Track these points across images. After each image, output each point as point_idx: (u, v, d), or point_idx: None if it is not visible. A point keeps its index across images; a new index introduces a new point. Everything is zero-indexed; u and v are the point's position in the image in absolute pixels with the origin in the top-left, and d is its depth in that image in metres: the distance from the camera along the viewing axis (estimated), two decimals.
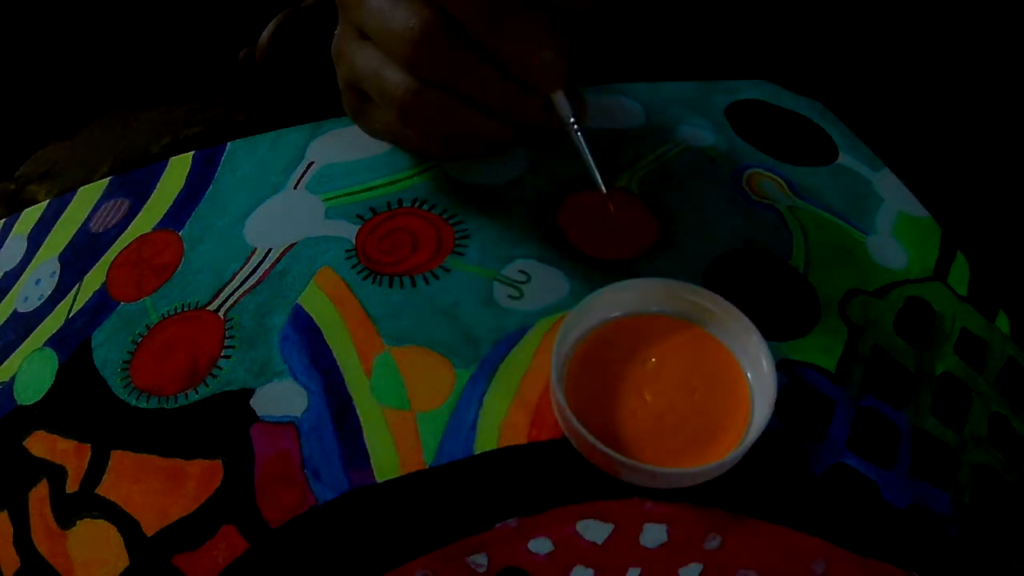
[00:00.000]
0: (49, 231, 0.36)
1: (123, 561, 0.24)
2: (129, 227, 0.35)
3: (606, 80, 0.40)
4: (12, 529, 0.26)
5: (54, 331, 0.31)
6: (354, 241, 0.32)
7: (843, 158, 0.38)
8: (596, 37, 0.31)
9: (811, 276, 0.31)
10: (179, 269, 0.32)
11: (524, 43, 0.27)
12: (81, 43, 0.49)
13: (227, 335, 0.29)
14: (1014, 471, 0.27)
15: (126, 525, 0.25)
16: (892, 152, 0.39)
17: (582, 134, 0.30)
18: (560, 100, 0.29)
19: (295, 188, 0.34)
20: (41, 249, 0.36)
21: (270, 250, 0.32)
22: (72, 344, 0.30)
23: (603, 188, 0.30)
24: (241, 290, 0.30)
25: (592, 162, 0.30)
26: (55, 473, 0.27)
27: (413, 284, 0.30)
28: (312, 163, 0.35)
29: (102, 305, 0.31)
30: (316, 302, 0.30)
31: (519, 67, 0.27)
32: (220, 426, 0.26)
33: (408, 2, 0.27)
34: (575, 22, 0.29)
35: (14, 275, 0.35)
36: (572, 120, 0.29)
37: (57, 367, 0.30)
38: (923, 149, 0.41)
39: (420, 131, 0.29)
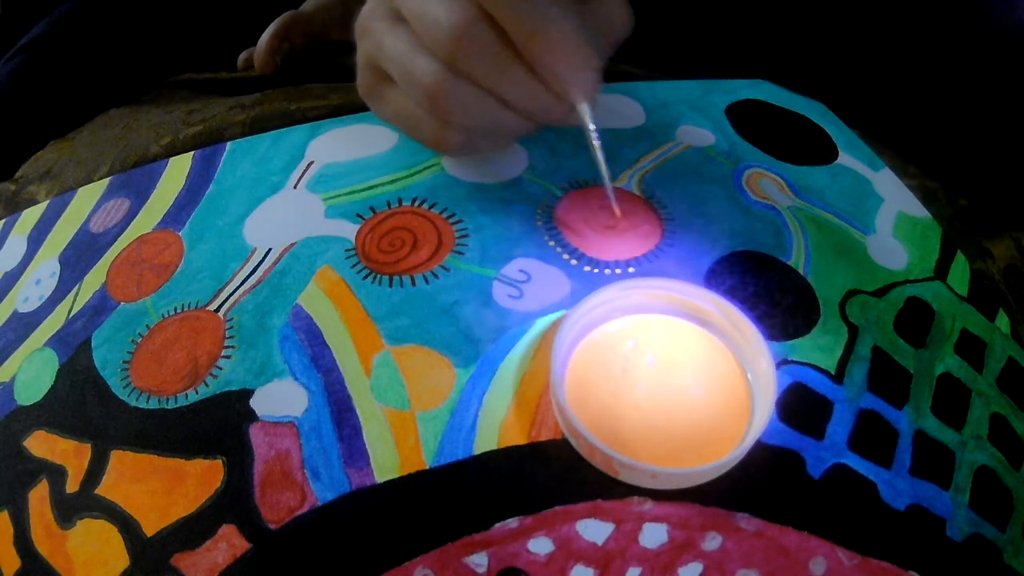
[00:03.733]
0: (49, 231, 0.36)
1: (123, 561, 0.24)
2: (129, 227, 0.35)
3: (607, 79, 0.40)
4: (12, 529, 0.26)
5: (54, 331, 0.31)
6: (354, 240, 0.32)
7: (843, 158, 0.38)
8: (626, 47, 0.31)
9: (811, 276, 0.31)
10: (179, 269, 0.32)
11: (569, 60, 0.27)
12: (81, 43, 0.49)
13: (227, 335, 0.29)
14: (1014, 471, 0.27)
15: (126, 525, 0.25)
16: (892, 152, 0.39)
17: (601, 143, 0.30)
18: (586, 111, 0.29)
19: (295, 188, 0.34)
20: (41, 249, 0.36)
21: (270, 250, 0.32)
22: (72, 344, 0.30)
23: (612, 196, 0.31)
24: (241, 290, 0.30)
25: (606, 171, 0.30)
26: (55, 473, 0.27)
27: (413, 284, 0.30)
28: (312, 163, 0.35)
29: (102, 305, 0.31)
30: (316, 302, 0.30)
31: (560, 81, 0.27)
32: (220, 426, 0.26)
33: None
34: (611, 34, 0.29)
35: (14, 275, 0.35)
36: (594, 129, 0.30)
37: (57, 367, 0.30)
38: (923, 149, 0.41)
39: (443, 119, 0.29)
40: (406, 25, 0.28)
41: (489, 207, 0.33)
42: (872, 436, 0.27)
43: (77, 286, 0.33)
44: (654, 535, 0.24)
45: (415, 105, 0.29)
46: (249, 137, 0.38)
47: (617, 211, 0.31)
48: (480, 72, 0.27)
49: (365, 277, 0.30)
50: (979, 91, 0.43)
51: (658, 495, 0.24)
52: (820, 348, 0.29)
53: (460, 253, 0.31)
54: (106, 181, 0.38)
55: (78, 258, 0.34)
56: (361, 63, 0.31)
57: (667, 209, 0.33)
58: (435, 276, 0.30)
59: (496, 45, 0.27)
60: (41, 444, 0.28)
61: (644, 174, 0.35)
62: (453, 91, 0.28)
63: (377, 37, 0.29)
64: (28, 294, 0.34)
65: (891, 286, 0.32)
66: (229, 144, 0.37)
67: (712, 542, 0.24)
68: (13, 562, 0.25)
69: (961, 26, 0.42)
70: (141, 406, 0.28)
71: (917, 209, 0.36)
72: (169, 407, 0.27)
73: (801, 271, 0.31)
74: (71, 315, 0.32)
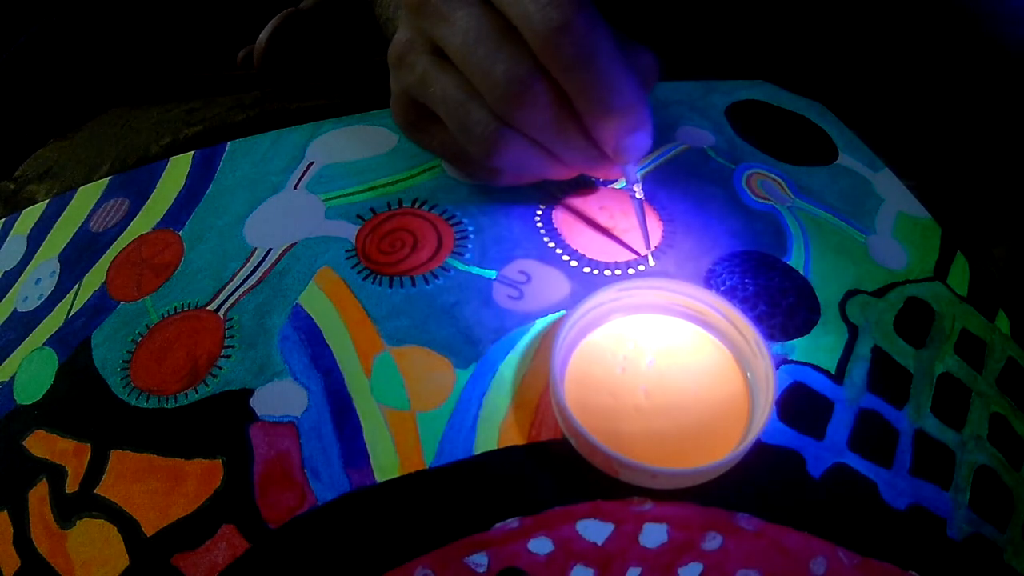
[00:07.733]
0: (49, 231, 0.36)
1: (123, 561, 0.24)
2: (129, 227, 0.35)
3: None
4: (12, 529, 0.26)
5: (54, 331, 0.31)
6: (354, 241, 0.32)
7: (843, 158, 0.38)
8: None
9: (811, 276, 0.31)
10: (179, 269, 0.32)
11: (626, 126, 0.27)
12: (82, 43, 0.49)
13: (227, 335, 0.29)
14: (1014, 471, 0.27)
15: (126, 525, 0.25)
16: (892, 152, 0.39)
17: (641, 200, 0.31)
18: (631, 170, 0.30)
19: (295, 188, 0.34)
20: (41, 249, 0.36)
21: (270, 250, 0.32)
22: (72, 344, 0.30)
23: (647, 241, 0.31)
24: (241, 290, 0.30)
25: (645, 225, 0.31)
26: (55, 473, 0.27)
27: (413, 284, 0.30)
28: (312, 163, 0.35)
29: (102, 305, 0.31)
30: (316, 302, 0.30)
31: (614, 146, 0.28)
32: (220, 426, 0.26)
33: (509, 47, 0.26)
34: (646, 84, 0.29)
35: (14, 275, 0.35)
36: (638, 183, 0.31)
37: (57, 367, 0.30)
38: (923, 149, 0.41)
39: (497, 167, 0.29)
40: (451, 65, 0.28)
41: (489, 208, 0.33)
42: (872, 436, 0.27)
43: (76, 285, 0.33)
44: (654, 535, 0.24)
45: (465, 146, 0.29)
46: (249, 137, 0.38)
47: (650, 254, 0.31)
48: (534, 129, 0.27)
49: (365, 278, 0.30)
50: (977, 94, 0.43)
51: (658, 495, 0.24)
52: (820, 348, 0.29)
53: (460, 254, 0.31)
54: (106, 180, 0.38)
55: (78, 257, 0.34)
56: (399, 94, 0.30)
57: (667, 209, 0.33)
58: (435, 277, 0.30)
59: (552, 104, 0.27)
60: (40, 444, 0.28)
61: (644, 174, 0.35)
62: (508, 145, 0.28)
63: (420, 73, 0.28)
64: (27, 293, 0.34)
65: (891, 286, 0.32)
66: (229, 144, 0.37)
67: (712, 542, 0.24)
68: (13, 562, 0.25)
69: (959, 30, 0.42)
70: (141, 406, 0.27)
71: (917, 209, 0.36)
72: (169, 407, 0.27)
73: (801, 271, 0.31)
74: (70, 314, 0.32)
